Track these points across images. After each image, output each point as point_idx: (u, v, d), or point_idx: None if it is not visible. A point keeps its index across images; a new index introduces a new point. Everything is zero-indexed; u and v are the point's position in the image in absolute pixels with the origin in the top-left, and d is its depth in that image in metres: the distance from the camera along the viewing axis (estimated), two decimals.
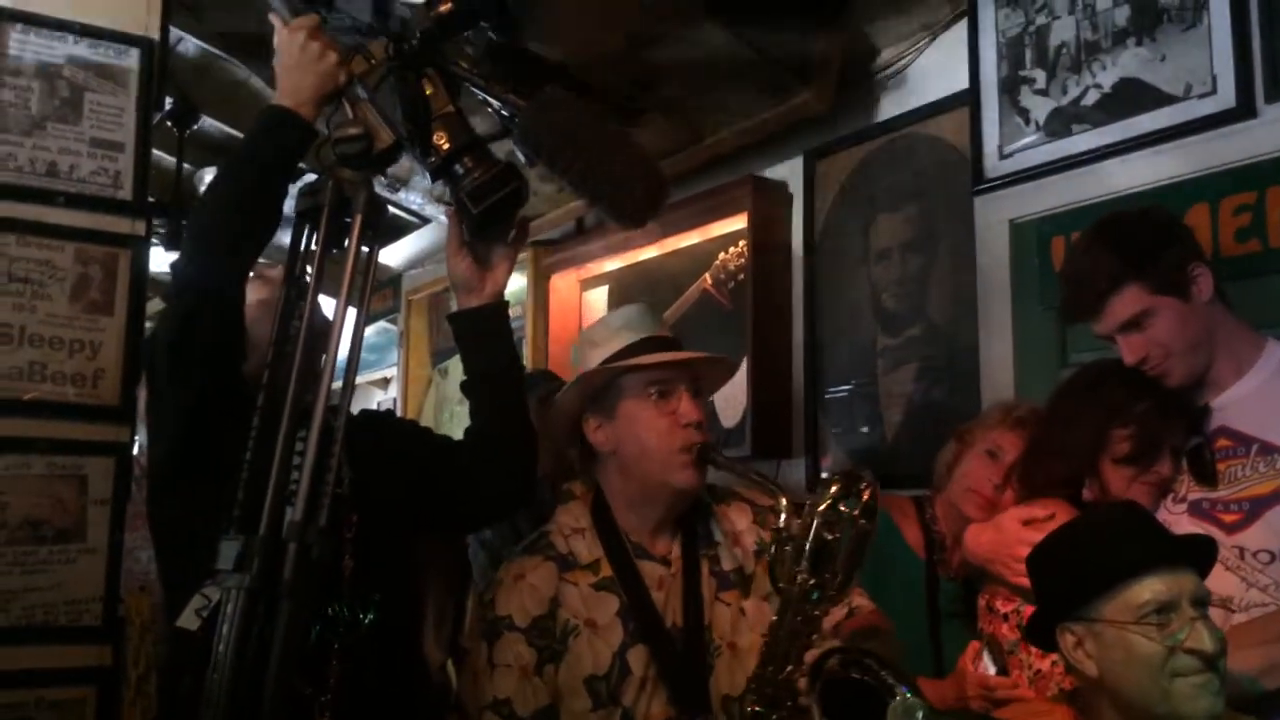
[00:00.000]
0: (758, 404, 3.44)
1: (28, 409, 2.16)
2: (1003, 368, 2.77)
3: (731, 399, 3.54)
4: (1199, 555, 1.58)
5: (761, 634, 1.86)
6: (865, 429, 3.25)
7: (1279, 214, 2.25)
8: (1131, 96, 2.55)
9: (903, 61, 3.22)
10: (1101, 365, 2.12)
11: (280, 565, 1.31)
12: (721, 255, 3.76)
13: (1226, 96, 2.37)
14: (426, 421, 5.25)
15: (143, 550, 2.40)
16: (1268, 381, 1.96)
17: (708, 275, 3.82)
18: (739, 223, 3.63)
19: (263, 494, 1.35)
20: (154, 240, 3.19)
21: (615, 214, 1.77)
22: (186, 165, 4.49)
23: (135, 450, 2.33)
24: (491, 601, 1.88)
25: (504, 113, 1.78)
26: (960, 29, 3.00)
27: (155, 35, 2.35)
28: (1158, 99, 2.50)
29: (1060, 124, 2.70)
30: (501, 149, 1.81)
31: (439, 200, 4.37)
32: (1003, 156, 2.82)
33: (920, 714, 1.48)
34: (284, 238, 1.72)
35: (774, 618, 1.71)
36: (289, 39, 1.72)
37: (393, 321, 5.65)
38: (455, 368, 5.20)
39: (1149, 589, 1.52)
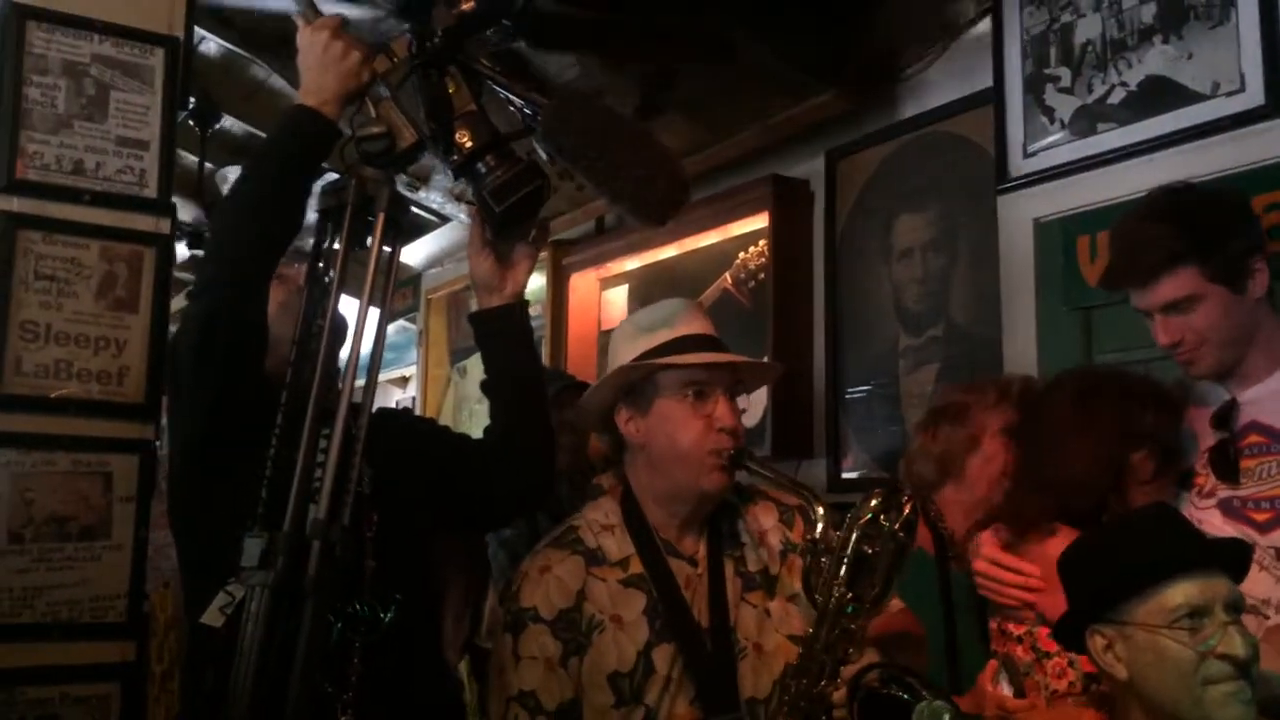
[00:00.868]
0: (778, 404, 3.44)
1: (53, 406, 2.17)
2: (1026, 368, 2.75)
3: (752, 399, 3.53)
4: (1233, 559, 1.56)
5: (789, 635, 1.85)
6: (886, 429, 3.24)
7: None
8: (1158, 94, 2.53)
9: (925, 60, 3.21)
10: (1081, 382, 2.03)
11: (304, 563, 1.31)
12: (742, 255, 3.76)
13: (1255, 94, 2.34)
14: (445, 420, 5.26)
15: (174, 548, 2.41)
16: None
17: (728, 275, 3.81)
18: (760, 222, 3.62)
19: (286, 492, 1.35)
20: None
21: (636, 212, 1.77)
22: (208, 164, 4.51)
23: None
24: (516, 593, 1.88)
25: (526, 111, 1.78)
26: (983, 27, 2.98)
27: (180, 34, 2.36)
28: (1185, 97, 2.48)
29: (1086, 122, 2.68)
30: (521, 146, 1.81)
31: (459, 199, 4.38)
32: (1027, 155, 2.81)
33: (946, 717, 1.47)
34: (302, 238, 1.73)
35: (809, 630, 1.70)
36: (312, 38, 1.73)
37: (412, 320, 5.66)
38: (474, 366, 5.21)
39: (1181, 592, 1.50)
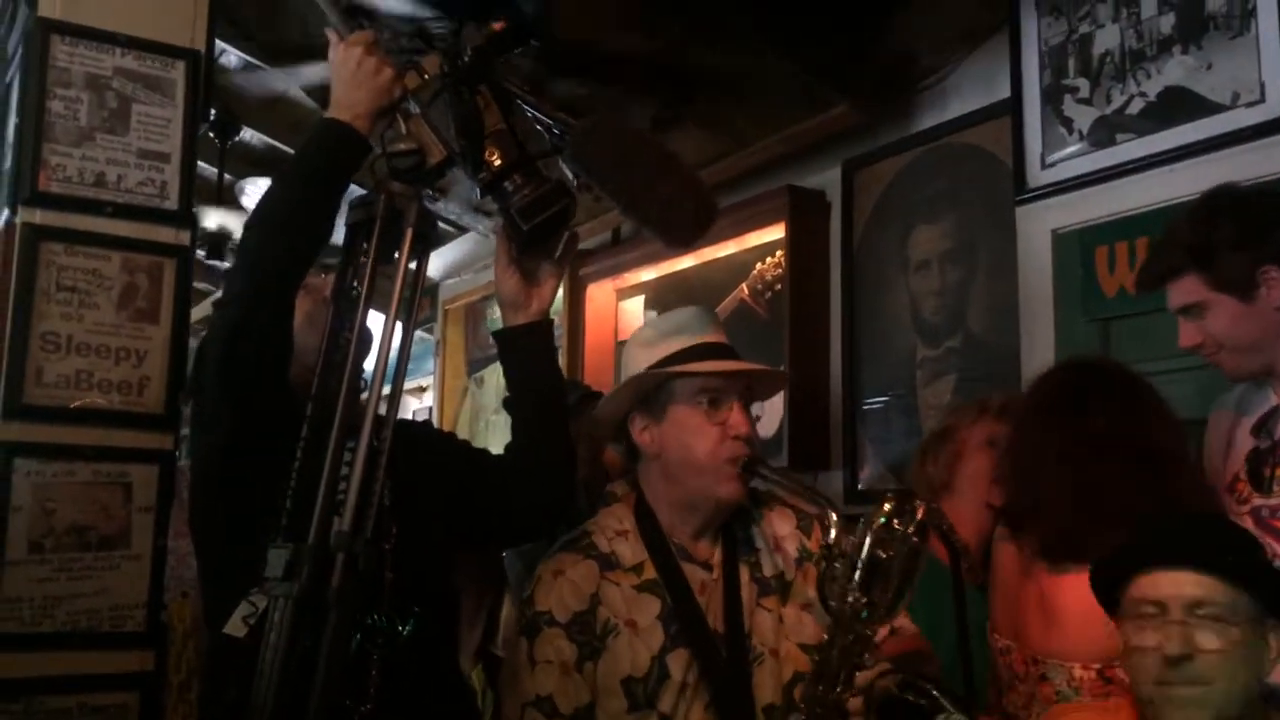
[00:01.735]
0: (795, 415, 3.43)
1: (74, 416, 2.19)
2: None
3: (769, 409, 3.53)
4: (1209, 555, 1.53)
5: (800, 644, 1.85)
6: (903, 441, 3.23)
7: None
8: (1177, 105, 2.52)
9: (942, 71, 3.21)
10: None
11: (328, 575, 1.31)
12: (759, 265, 3.76)
13: (1275, 105, 2.33)
14: (462, 430, 5.27)
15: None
16: None
17: (745, 285, 3.81)
18: (776, 233, 3.62)
19: (310, 503, 1.36)
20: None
21: (664, 235, 1.78)
22: (227, 176, 4.54)
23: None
24: (531, 598, 1.88)
25: (554, 131, 1.79)
26: (1001, 38, 2.98)
27: (200, 47, 2.38)
28: (1204, 108, 2.47)
29: (1104, 133, 2.67)
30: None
31: (478, 210, 4.40)
32: (1045, 166, 2.80)
33: None
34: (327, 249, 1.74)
35: (825, 637, 1.70)
36: (345, 54, 1.73)
37: (429, 330, 5.68)
38: (491, 376, 5.23)
39: (1147, 585, 1.52)
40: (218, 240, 4.58)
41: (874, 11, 3.11)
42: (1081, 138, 2.73)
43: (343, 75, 1.73)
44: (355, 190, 1.68)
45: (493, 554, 2.75)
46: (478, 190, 1.77)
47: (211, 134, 4.25)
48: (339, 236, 1.64)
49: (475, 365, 5.39)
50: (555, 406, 1.93)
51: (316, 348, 1.74)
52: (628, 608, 1.85)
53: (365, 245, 1.51)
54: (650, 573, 1.87)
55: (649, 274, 4.31)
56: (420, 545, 1.84)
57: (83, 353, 2.20)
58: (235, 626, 1.45)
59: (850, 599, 1.64)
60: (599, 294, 4.51)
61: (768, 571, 1.92)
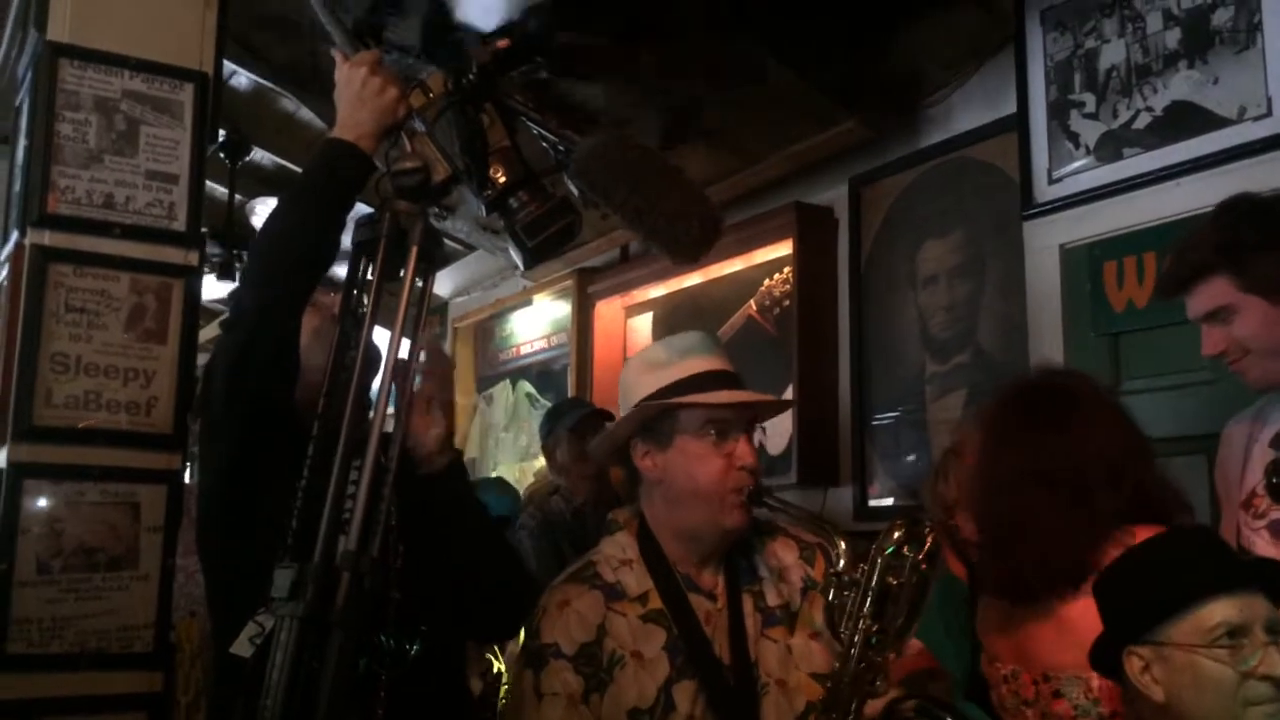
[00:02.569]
0: (804, 431, 3.42)
1: (83, 437, 2.19)
2: None
3: (777, 426, 3.52)
4: (1270, 580, 1.53)
5: (809, 672, 1.83)
6: (913, 456, 3.22)
7: None
8: (1184, 120, 2.52)
9: (949, 87, 3.21)
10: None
11: (333, 594, 1.31)
12: (767, 282, 3.76)
13: None
14: (471, 447, 5.27)
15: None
16: None
17: (753, 302, 3.81)
18: (784, 249, 3.62)
19: (317, 522, 1.35)
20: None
21: (669, 250, 1.77)
22: (238, 196, 4.56)
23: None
24: (536, 629, 1.86)
25: (559, 148, 1.79)
26: (1007, 53, 2.98)
27: (209, 69, 2.39)
28: (1211, 122, 2.47)
29: (1111, 148, 2.67)
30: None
31: (486, 229, 4.41)
32: (1052, 181, 2.80)
33: None
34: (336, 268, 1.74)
35: (836, 665, 1.69)
36: (350, 73, 1.74)
37: None
38: (499, 394, 5.23)
39: (1220, 611, 1.47)
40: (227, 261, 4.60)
41: (880, 28, 3.11)
42: (1088, 152, 2.72)
43: (347, 95, 1.74)
44: (362, 209, 1.69)
45: None
46: (484, 208, 1.77)
47: (222, 154, 4.27)
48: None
49: (484, 383, 5.40)
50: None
51: (322, 366, 1.74)
52: (634, 638, 1.83)
53: (371, 264, 1.51)
54: (656, 602, 1.85)
55: (657, 291, 4.31)
56: (428, 565, 1.83)
57: (91, 373, 2.21)
58: (242, 647, 1.44)
59: (861, 626, 1.63)
60: (607, 311, 4.51)
61: (772, 601, 1.90)
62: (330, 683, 1.31)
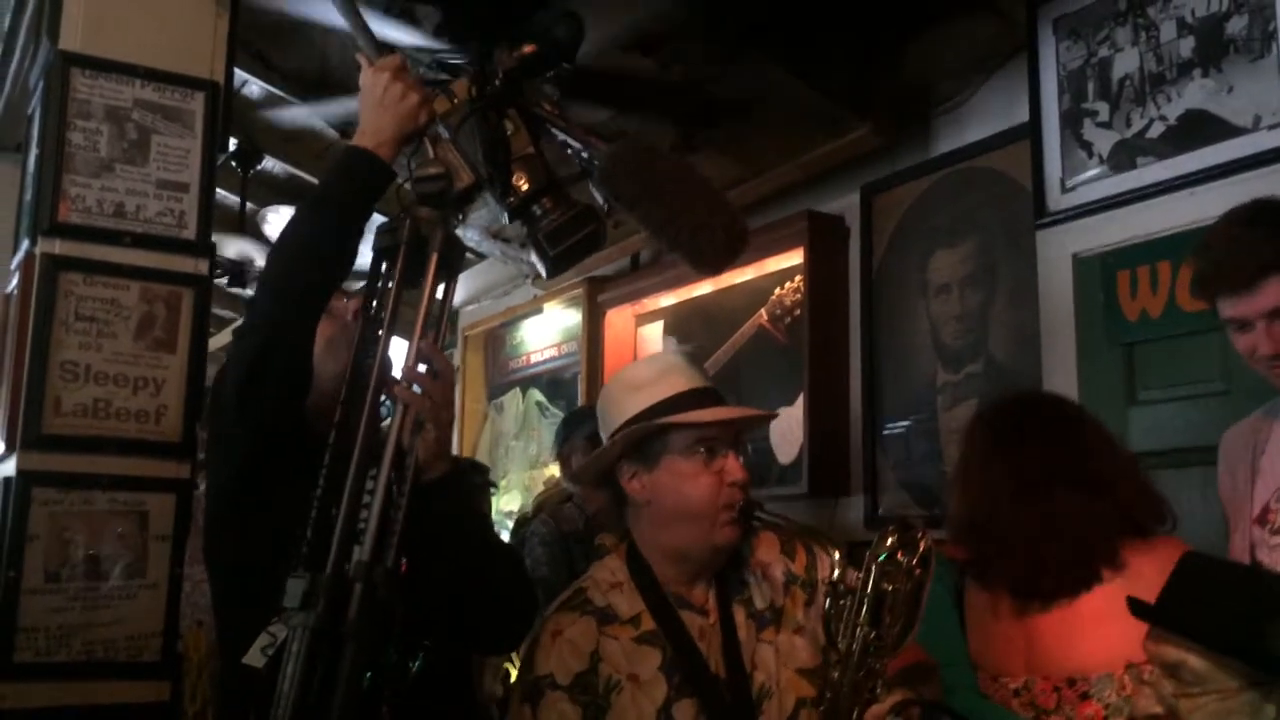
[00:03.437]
0: (815, 441, 3.41)
1: (92, 445, 2.19)
2: None
3: (788, 435, 3.51)
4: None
5: (795, 669, 1.81)
6: (925, 466, 3.20)
7: None
8: (1198, 128, 2.50)
9: (961, 95, 3.20)
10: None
11: (346, 605, 1.30)
12: (778, 291, 3.75)
13: None
14: (482, 455, 5.27)
15: None
16: None
17: (764, 311, 3.80)
18: (795, 258, 3.61)
19: (330, 532, 1.35)
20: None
21: (694, 260, 1.76)
22: (249, 205, 4.57)
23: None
24: (530, 661, 1.83)
25: (584, 155, 1.78)
26: (1019, 62, 2.96)
27: (220, 79, 2.39)
28: (1225, 131, 2.45)
29: (1124, 157, 2.65)
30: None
31: (496, 236, 4.41)
32: (1065, 190, 2.78)
33: None
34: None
35: (835, 674, 1.67)
36: (373, 79, 1.73)
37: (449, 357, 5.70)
38: (510, 402, 5.23)
39: None
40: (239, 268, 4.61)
41: (892, 36, 3.11)
42: (1101, 161, 2.71)
43: (369, 100, 1.73)
44: (380, 217, 1.68)
45: None
46: (505, 215, 1.76)
47: (233, 163, 4.28)
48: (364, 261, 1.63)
49: (495, 391, 5.40)
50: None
51: (335, 373, 1.73)
52: (628, 661, 1.80)
53: (390, 271, 1.50)
54: (648, 623, 1.83)
55: (668, 300, 4.30)
56: (428, 577, 1.82)
57: (101, 382, 2.20)
58: (254, 657, 1.43)
59: (859, 634, 1.62)
60: (618, 320, 4.51)
61: (760, 604, 1.88)
62: (342, 695, 1.30)
